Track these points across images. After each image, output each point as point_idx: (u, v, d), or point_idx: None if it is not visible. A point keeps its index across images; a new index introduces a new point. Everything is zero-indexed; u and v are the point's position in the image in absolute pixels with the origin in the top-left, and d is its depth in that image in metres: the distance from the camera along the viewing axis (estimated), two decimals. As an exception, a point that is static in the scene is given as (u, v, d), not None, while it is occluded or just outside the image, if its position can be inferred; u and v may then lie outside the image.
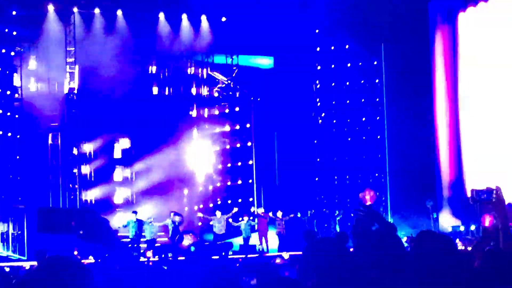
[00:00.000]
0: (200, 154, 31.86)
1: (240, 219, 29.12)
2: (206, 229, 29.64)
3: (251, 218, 29.19)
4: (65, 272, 3.59)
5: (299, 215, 29.25)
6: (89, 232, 3.50)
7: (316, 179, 32.03)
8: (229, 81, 31.83)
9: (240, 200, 31.54)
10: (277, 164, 32.23)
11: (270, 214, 29.07)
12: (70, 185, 28.56)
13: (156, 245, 26.99)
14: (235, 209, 29.25)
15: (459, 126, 29.53)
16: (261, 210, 29.47)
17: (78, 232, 3.52)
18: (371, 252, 4.40)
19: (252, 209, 30.10)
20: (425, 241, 4.61)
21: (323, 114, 32.10)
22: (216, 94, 32.38)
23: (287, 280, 4.22)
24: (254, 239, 28.77)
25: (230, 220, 28.90)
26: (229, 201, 31.41)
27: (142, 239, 27.00)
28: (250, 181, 31.83)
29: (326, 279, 4.18)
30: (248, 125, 31.95)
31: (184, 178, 31.63)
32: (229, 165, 32.28)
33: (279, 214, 28.78)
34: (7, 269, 19.65)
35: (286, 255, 20.97)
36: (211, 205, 31.12)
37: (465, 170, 29.12)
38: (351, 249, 4.69)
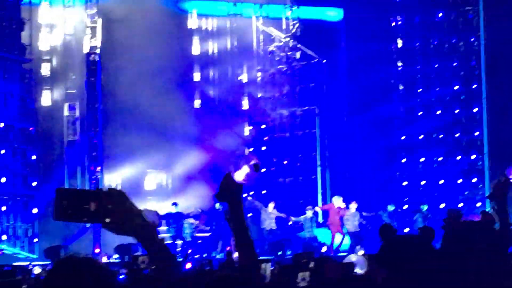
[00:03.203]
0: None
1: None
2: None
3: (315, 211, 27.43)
4: (84, 277, 3.39)
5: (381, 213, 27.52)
6: (119, 221, 3.17)
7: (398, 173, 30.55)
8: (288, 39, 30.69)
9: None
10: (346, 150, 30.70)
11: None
12: (92, 167, 27.68)
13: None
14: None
15: None
16: (338, 200, 27.40)
17: (104, 220, 3.20)
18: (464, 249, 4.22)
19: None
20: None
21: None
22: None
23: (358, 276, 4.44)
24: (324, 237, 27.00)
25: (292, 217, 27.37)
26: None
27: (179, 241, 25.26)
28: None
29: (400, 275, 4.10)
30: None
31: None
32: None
33: (352, 206, 27.19)
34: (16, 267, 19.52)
35: (360, 251, 20.38)
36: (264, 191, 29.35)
37: None
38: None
